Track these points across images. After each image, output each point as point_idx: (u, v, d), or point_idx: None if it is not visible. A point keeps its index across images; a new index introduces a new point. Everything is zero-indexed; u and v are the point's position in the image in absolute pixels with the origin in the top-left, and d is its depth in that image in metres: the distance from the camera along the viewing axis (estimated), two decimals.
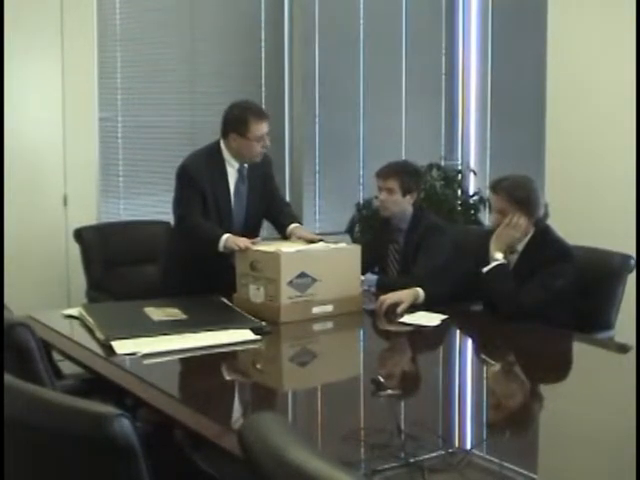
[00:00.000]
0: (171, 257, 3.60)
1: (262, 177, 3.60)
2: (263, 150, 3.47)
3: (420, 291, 3.20)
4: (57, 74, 4.45)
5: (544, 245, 3.10)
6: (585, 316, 3.11)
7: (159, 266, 3.74)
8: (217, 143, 3.50)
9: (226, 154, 3.47)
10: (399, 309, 3.12)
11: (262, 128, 3.42)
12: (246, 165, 3.51)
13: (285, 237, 3.55)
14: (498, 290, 3.06)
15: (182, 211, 3.43)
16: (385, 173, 3.69)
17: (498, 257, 3.09)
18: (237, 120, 3.41)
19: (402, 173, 3.69)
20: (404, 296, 3.16)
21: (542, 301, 2.99)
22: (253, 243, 3.19)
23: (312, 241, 3.37)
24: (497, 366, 2.72)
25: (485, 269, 3.10)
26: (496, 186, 3.15)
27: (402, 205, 3.68)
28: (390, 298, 3.15)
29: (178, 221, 3.48)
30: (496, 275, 3.08)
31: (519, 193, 3.08)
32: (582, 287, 3.10)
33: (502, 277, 3.07)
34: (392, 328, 3.09)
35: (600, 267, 3.22)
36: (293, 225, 3.55)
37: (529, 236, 3.13)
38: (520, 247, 3.14)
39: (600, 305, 3.18)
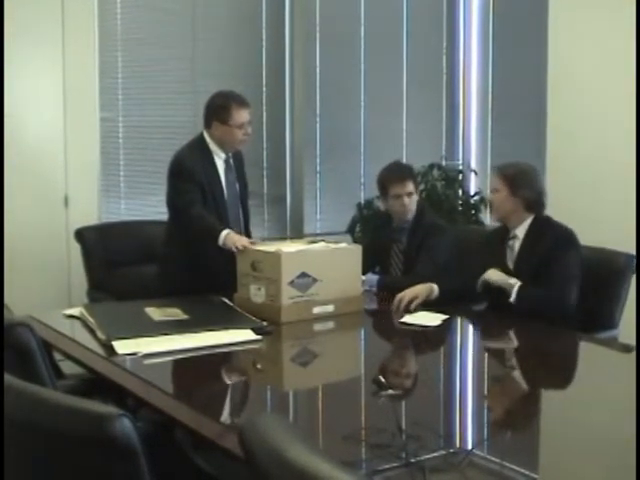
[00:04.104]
0: (170, 257, 3.60)
1: (240, 169, 3.68)
2: (245, 138, 3.52)
3: (434, 287, 3.23)
4: (58, 75, 4.45)
5: (548, 229, 3.15)
6: (589, 315, 3.11)
7: (159, 266, 3.74)
8: (201, 136, 3.57)
9: (212, 145, 3.54)
10: (412, 305, 3.15)
11: (243, 115, 3.49)
12: (230, 154, 3.58)
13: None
14: (538, 307, 3.03)
15: (184, 202, 3.43)
16: (402, 177, 3.66)
17: (511, 282, 3.08)
18: (219, 108, 3.49)
19: (412, 174, 3.76)
20: (418, 291, 3.20)
21: (575, 292, 3.04)
22: (252, 244, 3.20)
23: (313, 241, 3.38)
24: (498, 366, 2.71)
25: (512, 299, 3.06)
26: (495, 167, 3.36)
27: (416, 204, 3.71)
28: (408, 295, 3.18)
29: (180, 212, 3.47)
30: (525, 297, 3.05)
31: (508, 170, 3.22)
32: (587, 286, 3.10)
33: (531, 295, 3.05)
34: (393, 328, 3.09)
35: (605, 266, 3.22)
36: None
37: (528, 221, 3.19)
38: (520, 233, 3.19)
39: (605, 304, 3.19)
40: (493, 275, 3.14)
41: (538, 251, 3.11)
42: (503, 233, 3.29)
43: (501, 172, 3.24)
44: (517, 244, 3.20)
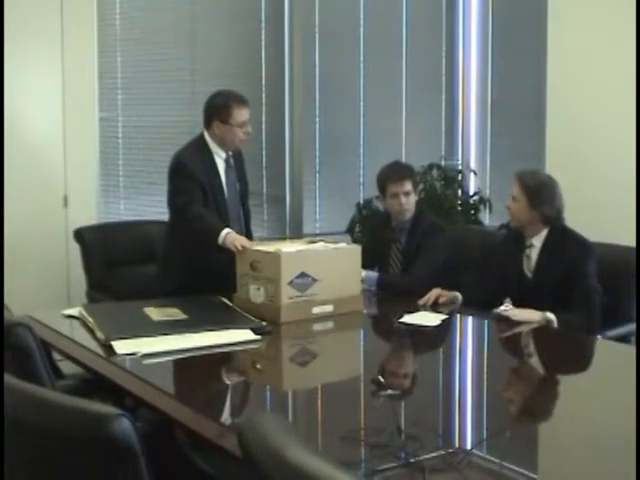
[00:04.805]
0: (170, 257, 3.60)
1: (241, 167, 3.68)
2: (245, 137, 3.53)
3: (458, 295, 3.26)
4: (57, 74, 4.45)
5: (565, 239, 3.14)
6: (606, 311, 3.11)
7: (158, 266, 3.74)
8: (201, 136, 3.57)
9: (212, 145, 3.54)
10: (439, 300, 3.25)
11: (244, 114, 3.50)
12: (230, 153, 3.58)
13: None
14: (582, 330, 2.98)
15: (184, 201, 3.43)
16: (401, 177, 3.67)
17: (548, 317, 2.96)
18: (220, 107, 3.49)
19: (412, 174, 3.75)
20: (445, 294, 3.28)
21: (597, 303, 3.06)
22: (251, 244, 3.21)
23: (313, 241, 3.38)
24: (497, 366, 2.71)
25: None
26: (517, 173, 3.24)
27: (414, 204, 3.70)
28: (434, 294, 3.26)
29: (180, 211, 3.47)
30: (569, 326, 2.97)
31: (529, 181, 3.16)
32: (601, 282, 3.12)
33: (572, 323, 2.98)
34: (392, 328, 3.09)
35: (616, 261, 3.24)
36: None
37: (545, 232, 3.16)
38: (537, 242, 3.17)
39: (620, 298, 3.21)
40: (530, 316, 2.99)
41: (558, 263, 3.09)
42: (518, 238, 3.26)
43: (522, 180, 3.17)
44: (534, 253, 3.18)
